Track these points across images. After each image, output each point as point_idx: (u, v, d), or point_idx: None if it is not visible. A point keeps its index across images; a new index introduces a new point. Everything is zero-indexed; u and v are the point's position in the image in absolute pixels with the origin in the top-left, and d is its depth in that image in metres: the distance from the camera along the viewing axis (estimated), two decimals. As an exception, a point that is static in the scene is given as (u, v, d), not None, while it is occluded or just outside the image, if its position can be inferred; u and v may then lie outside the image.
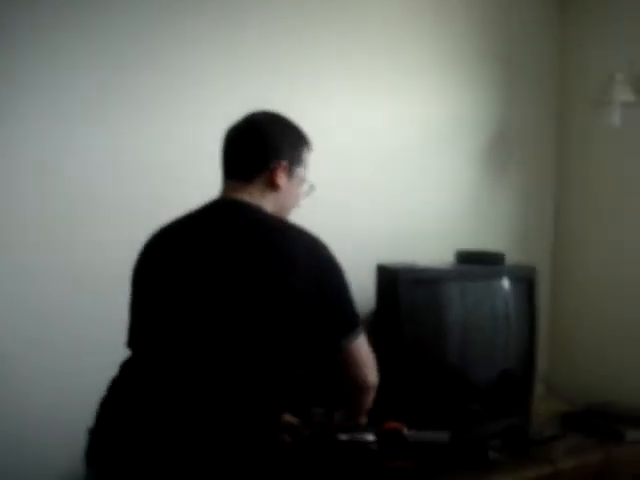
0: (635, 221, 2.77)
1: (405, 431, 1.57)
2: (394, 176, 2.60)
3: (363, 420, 1.64)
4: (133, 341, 1.53)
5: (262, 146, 1.59)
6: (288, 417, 1.63)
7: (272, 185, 1.58)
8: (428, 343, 2.25)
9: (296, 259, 1.45)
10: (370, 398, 1.61)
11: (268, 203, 1.58)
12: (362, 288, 2.26)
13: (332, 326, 1.48)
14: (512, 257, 2.55)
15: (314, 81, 2.38)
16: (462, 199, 2.78)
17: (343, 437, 1.53)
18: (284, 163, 1.58)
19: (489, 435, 2.21)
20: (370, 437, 1.54)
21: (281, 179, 1.58)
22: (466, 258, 2.46)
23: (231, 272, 1.43)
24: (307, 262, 1.46)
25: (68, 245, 2.00)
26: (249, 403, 1.40)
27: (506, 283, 2.42)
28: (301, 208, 1.69)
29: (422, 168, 2.66)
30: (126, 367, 1.50)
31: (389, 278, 2.21)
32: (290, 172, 1.60)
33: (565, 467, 2.19)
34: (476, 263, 2.43)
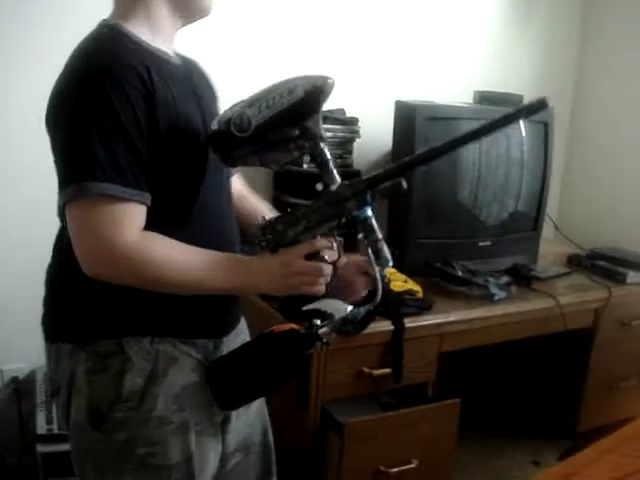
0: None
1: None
2: (413, 13, 2.55)
3: None
4: None
5: None
6: None
7: None
8: (442, 180, 2.30)
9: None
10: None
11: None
12: (382, 124, 2.31)
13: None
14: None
15: None
16: (485, 39, 2.72)
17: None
18: None
19: (496, 271, 2.30)
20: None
21: None
22: (484, 99, 2.45)
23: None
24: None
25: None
26: None
27: (522, 125, 2.41)
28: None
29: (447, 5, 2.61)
30: None
31: (407, 113, 2.23)
32: None
33: (566, 302, 2.29)
34: (494, 104, 2.42)
